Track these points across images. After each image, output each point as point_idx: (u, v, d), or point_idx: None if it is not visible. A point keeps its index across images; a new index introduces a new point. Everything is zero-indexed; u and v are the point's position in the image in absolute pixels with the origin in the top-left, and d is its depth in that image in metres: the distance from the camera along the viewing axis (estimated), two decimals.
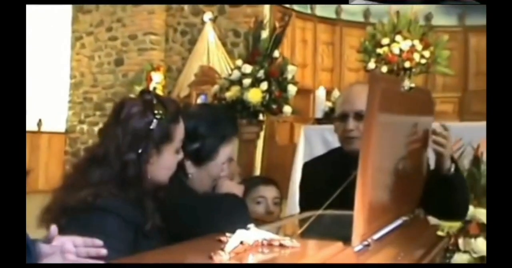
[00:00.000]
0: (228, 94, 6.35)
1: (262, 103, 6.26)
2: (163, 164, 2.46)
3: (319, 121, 6.68)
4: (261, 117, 6.53)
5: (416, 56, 8.78)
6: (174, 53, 11.25)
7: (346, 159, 3.10)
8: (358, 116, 3.04)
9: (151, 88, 10.32)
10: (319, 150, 5.86)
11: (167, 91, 10.68)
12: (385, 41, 8.89)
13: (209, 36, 10.52)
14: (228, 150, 2.73)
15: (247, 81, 6.27)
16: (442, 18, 11.11)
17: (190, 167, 2.65)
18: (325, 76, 10.12)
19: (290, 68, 6.57)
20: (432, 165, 2.98)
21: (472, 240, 4.72)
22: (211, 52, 10.38)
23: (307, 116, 9.08)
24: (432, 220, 3.17)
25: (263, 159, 7.86)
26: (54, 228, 2.01)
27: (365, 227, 1.94)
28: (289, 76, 6.50)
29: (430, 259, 2.43)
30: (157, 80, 10.66)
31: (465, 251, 4.65)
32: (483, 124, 2.82)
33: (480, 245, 4.71)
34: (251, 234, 1.79)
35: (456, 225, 4.49)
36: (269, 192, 3.59)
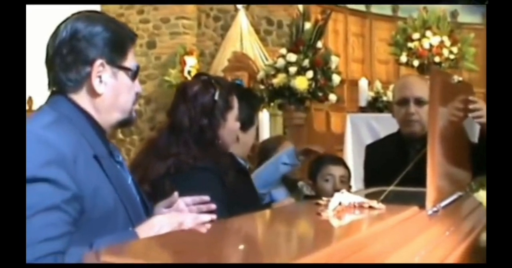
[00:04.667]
0: (275, 81, 6.67)
1: (308, 91, 6.58)
2: (229, 129, 2.94)
3: (363, 110, 6.99)
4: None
5: (445, 52, 9.05)
6: (207, 38, 11.19)
7: (404, 141, 3.51)
8: (418, 101, 3.44)
9: (185, 72, 10.54)
10: (365, 135, 6.29)
11: None
12: (416, 35, 9.13)
13: (242, 22, 10.52)
14: (258, 118, 3.36)
15: (293, 69, 6.58)
16: (467, 15, 11.33)
17: (239, 133, 3.12)
18: (356, 67, 10.35)
19: (334, 58, 6.90)
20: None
21: None
22: (244, 38, 10.40)
23: (342, 105, 9.32)
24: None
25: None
26: (176, 194, 2.33)
27: (436, 194, 2.29)
28: (333, 66, 6.83)
29: (474, 236, 2.76)
30: (191, 64, 10.65)
31: None
32: None
33: None
34: (346, 197, 2.13)
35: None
36: (337, 171, 3.91)
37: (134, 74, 2.23)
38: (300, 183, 4.34)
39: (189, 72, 10.35)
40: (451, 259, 2.13)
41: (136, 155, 2.96)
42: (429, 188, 2.26)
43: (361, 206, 2.13)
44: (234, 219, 1.97)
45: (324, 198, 2.19)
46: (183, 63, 10.72)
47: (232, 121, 2.96)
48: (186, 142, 2.81)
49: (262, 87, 6.94)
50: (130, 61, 2.20)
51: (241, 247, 1.41)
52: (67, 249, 1.84)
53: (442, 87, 2.52)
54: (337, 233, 1.88)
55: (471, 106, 3.15)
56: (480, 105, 3.18)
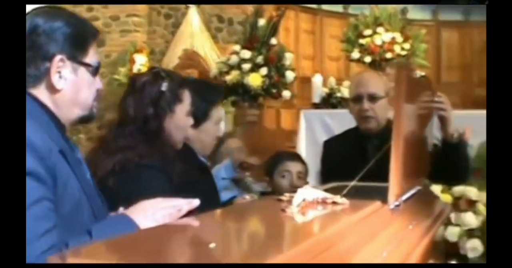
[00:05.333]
0: (229, 78, 6.66)
1: (262, 87, 6.58)
2: (177, 123, 2.88)
3: (316, 106, 7.01)
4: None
5: (397, 48, 9.15)
6: (158, 36, 11.16)
7: (362, 137, 3.53)
8: (371, 97, 3.47)
9: (135, 70, 10.45)
10: (319, 132, 6.31)
11: None
12: (368, 32, 9.22)
13: (193, 20, 10.44)
14: (217, 113, 3.16)
15: (246, 66, 6.57)
16: (417, 12, 11.44)
17: (189, 130, 3.05)
18: (306, 64, 10.39)
19: (288, 55, 6.91)
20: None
21: (462, 214, 5.17)
22: (195, 36, 10.38)
23: (292, 102, 9.35)
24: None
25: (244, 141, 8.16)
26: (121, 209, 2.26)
27: (398, 189, 2.30)
28: (287, 63, 6.84)
29: (435, 230, 2.78)
30: (141, 62, 10.59)
31: (456, 225, 5.09)
32: (458, 113, 3.25)
33: (468, 219, 5.16)
34: (310, 193, 2.12)
35: (448, 200, 4.88)
36: (294, 167, 3.91)
37: (95, 70, 2.20)
38: (247, 180, 4.34)
39: (138, 70, 10.25)
40: (417, 253, 2.14)
41: (88, 152, 2.90)
42: (392, 183, 2.25)
43: (324, 202, 2.12)
44: (197, 217, 1.94)
45: (287, 194, 2.18)
46: (133, 61, 10.65)
47: (181, 115, 2.89)
48: (131, 134, 2.75)
49: None
50: (91, 57, 2.18)
51: (212, 245, 1.38)
52: (67, 239, 1.85)
53: (407, 83, 2.52)
54: (306, 230, 1.86)
55: (436, 99, 3.17)
56: (443, 99, 3.21)
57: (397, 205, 2.28)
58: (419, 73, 2.83)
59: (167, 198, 2.18)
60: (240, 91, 6.53)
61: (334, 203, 2.11)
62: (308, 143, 6.41)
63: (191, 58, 10.17)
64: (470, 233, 5.21)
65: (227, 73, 6.73)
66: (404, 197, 2.44)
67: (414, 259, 2.08)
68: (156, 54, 11.13)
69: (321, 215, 2.04)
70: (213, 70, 7.18)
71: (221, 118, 3.28)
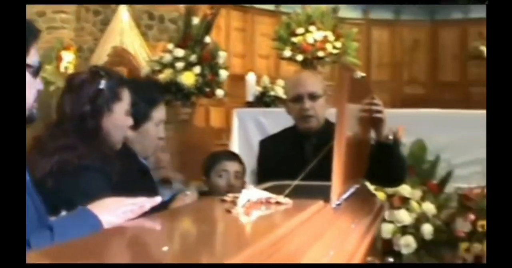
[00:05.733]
0: (162, 76, 6.62)
1: (195, 86, 6.57)
2: (115, 122, 2.82)
3: (250, 105, 7.01)
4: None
5: (329, 46, 9.20)
6: (86, 33, 10.95)
7: (300, 136, 3.55)
8: (311, 96, 3.49)
9: (62, 68, 10.29)
10: (253, 131, 6.33)
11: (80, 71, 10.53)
12: (300, 30, 9.24)
13: (122, 17, 10.30)
14: (159, 114, 3.14)
15: (180, 65, 6.55)
16: (349, 11, 11.54)
17: (128, 131, 3.00)
18: (237, 62, 10.39)
19: (221, 53, 6.92)
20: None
21: (395, 211, 5.27)
22: (125, 33, 10.22)
23: (222, 100, 9.35)
24: None
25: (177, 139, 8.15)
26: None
27: (341, 188, 2.34)
28: (221, 61, 6.84)
29: (376, 227, 2.82)
30: (68, 60, 10.40)
31: (390, 222, 5.18)
32: (389, 111, 3.30)
33: (402, 216, 5.26)
34: (254, 193, 2.13)
35: (382, 198, 4.96)
36: (231, 166, 3.89)
37: (36, 71, 2.15)
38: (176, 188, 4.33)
39: (66, 68, 10.09)
40: (361, 251, 2.16)
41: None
42: (334, 182, 2.27)
43: (268, 202, 2.13)
44: (145, 219, 1.93)
45: (230, 195, 2.19)
46: (60, 59, 10.47)
47: (120, 114, 2.83)
48: (69, 133, 2.69)
49: None
50: (32, 57, 2.12)
51: (165, 248, 1.37)
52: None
53: (350, 83, 2.55)
54: (257, 231, 1.87)
55: (374, 101, 3.21)
56: (378, 101, 3.25)
57: (339, 204, 2.30)
58: (359, 73, 2.86)
59: (126, 198, 2.18)
60: (173, 90, 6.49)
61: (277, 203, 2.13)
62: (241, 142, 6.42)
63: (120, 55, 10.03)
64: (403, 230, 5.32)
65: (160, 71, 6.70)
66: (344, 195, 2.47)
67: (359, 256, 2.10)
68: (84, 51, 10.92)
69: (268, 215, 2.06)
70: (145, 68, 7.13)
71: (162, 119, 3.22)
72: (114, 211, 2.04)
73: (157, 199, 2.13)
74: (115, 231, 1.80)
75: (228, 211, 1.98)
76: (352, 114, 2.77)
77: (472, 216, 5.26)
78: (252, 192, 2.14)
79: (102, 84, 2.76)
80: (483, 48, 9.73)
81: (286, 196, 2.18)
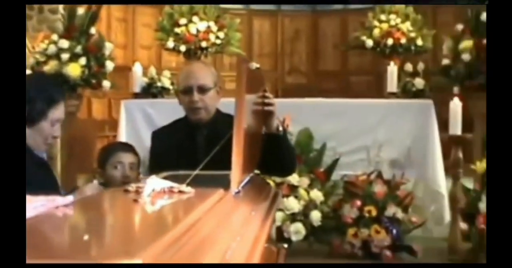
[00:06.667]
0: (47, 68, 6.49)
1: (81, 78, 6.49)
2: None
3: (137, 96, 6.98)
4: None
5: (212, 37, 9.29)
6: None
7: (191, 127, 3.59)
8: (201, 89, 3.53)
9: None
10: (140, 122, 6.33)
11: None
12: (183, 21, 9.28)
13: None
14: (56, 114, 3.12)
15: (65, 56, 6.44)
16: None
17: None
18: (118, 52, 10.27)
19: (108, 45, 6.85)
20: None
21: (285, 199, 5.38)
22: None
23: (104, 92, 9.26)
24: None
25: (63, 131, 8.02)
26: None
27: (240, 176, 2.40)
28: (107, 53, 6.78)
29: (273, 214, 2.90)
30: None
31: (279, 209, 5.29)
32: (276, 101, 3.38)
33: (291, 203, 5.38)
34: (158, 183, 2.17)
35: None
36: (126, 158, 3.88)
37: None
38: None
39: None
40: (264, 236, 2.22)
41: None
42: (234, 171, 2.33)
43: (171, 191, 2.16)
44: (55, 211, 1.92)
45: (133, 185, 2.21)
46: None
47: None
48: None
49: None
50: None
51: (86, 237, 1.39)
52: None
53: (247, 75, 2.61)
54: (169, 219, 1.91)
55: (266, 94, 3.27)
56: (269, 94, 3.31)
57: (238, 192, 2.37)
58: (255, 64, 2.90)
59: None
60: (59, 81, 6.38)
61: (180, 192, 2.16)
62: (129, 134, 6.41)
63: None
64: (293, 217, 5.44)
65: (45, 63, 6.57)
66: (242, 184, 2.52)
67: (262, 241, 2.16)
68: None
69: (173, 204, 2.09)
70: (30, 59, 6.98)
71: (59, 119, 3.15)
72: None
73: (70, 198, 2.09)
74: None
75: (135, 200, 2.00)
76: (250, 105, 2.82)
77: (358, 202, 5.41)
78: (155, 182, 2.17)
79: None
80: (364, 38, 9.98)
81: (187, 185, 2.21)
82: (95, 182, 3.54)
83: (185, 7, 9.38)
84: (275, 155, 3.38)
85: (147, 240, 1.51)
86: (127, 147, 4.03)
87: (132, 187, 2.20)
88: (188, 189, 2.18)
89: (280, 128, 3.40)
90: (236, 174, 2.35)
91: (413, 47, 9.92)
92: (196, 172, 2.48)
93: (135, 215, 1.95)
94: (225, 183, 2.30)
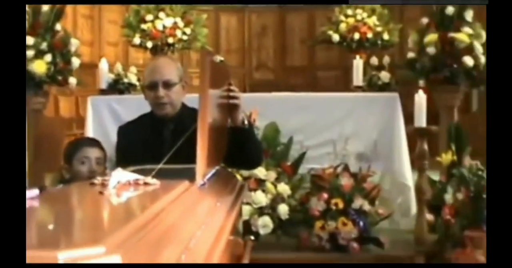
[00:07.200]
0: None
1: (47, 74, 6.46)
2: None
3: (103, 92, 6.97)
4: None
5: (179, 33, 9.32)
6: None
7: (157, 122, 3.60)
8: (166, 84, 3.54)
9: None
10: (107, 118, 6.32)
11: None
12: (149, 17, 9.30)
13: None
14: None
15: (30, 53, 6.41)
16: None
17: None
18: (85, 50, 10.22)
19: (73, 41, 6.83)
20: None
21: (252, 193, 5.40)
22: None
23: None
24: None
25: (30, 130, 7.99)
26: None
27: (205, 169, 2.43)
28: (73, 49, 6.75)
29: (239, 205, 2.93)
30: None
31: (247, 203, 5.31)
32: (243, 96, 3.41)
33: (258, 197, 5.40)
34: (123, 175, 2.20)
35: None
36: (93, 153, 3.91)
37: None
38: None
39: None
40: (228, 226, 2.25)
41: None
42: (199, 163, 2.37)
43: (136, 183, 2.19)
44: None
45: (99, 178, 2.25)
46: None
47: None
48: None
49: None
50: None
51: (50, 226, 1.40)
52: None
53: (211, 68, 2.63)
54: (133, 209, 1.93)
55: (231, 87, 3.29)
56: (235, 87, 3.33)
57: (203, 184, 2.40)
58: (218, 57, 2.92)
59: None
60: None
61: (146, 184, 2.19)
62: (96, 130, 6.40)
63: None
64: (260, 211, 5.46)
65: None
66: (207, 176, 2.55)
67: (227, 231, 2.19)
68: None
69: (139, 195, 2.11)
70: None
71: None
72: None
73: (35, 191, 2.09)
74: None
75: (101, 193, 2.03)
76: (214, 99, 2.84)
77: (325, 195, 5.44)
78: (121, 174, 2.20)
79: None
80: (330, 33, 10.04)
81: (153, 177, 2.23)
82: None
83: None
84: (241, 148, 3.40)
85: (111, 228, 1.54)
86: (93, 142, 4.05)
87: (98, 180, 2.24)
88: (154, 181, 2.21)
89: (246, 122, 3.42)
90: (201, 166, 2.38)
91: (379, 42, 10.01)
92: (161, 165, 2.51)
93: (100, 206, 1.97)
94: (191, 176, 2.34)
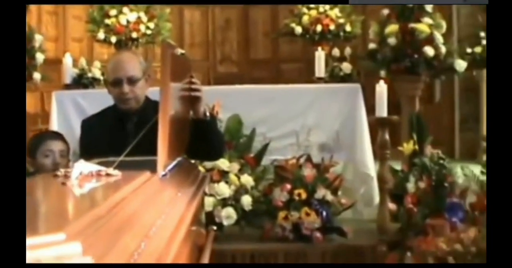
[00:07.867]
0: None
1: None
2: None
3: (68, 87, 6.99)
4: None
5: (142, 27, 9.33)
6: None
7: (121, 115, 3.64)
8: (130, 80, 3.56)
9: None
10: (72, 112, 6.35)
11: None
12: (113, 12, 9.28)
13: None
14: None
15: None
16: None
17: None
18: (50, 45, 10.18)
19: (37, 37, 6.85)
20: None
21: (215, 185, 5.46)
22: None
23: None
24: None
25: None
26: None
27: (166, 160, 2.50)
28: (37, 45, 6.78)
29: (200, 196, 2.99)
30: None
31: (210, 195, 5.37)
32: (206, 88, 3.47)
33: (221, 188, 5.46)
34: (85, 166, 2.24)
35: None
36: (56, 146, 3.95)
37: None
38: None
39: None
40: (189, 216, 2.31)
41: None
42: (160, 154, 2.44)
43: (98, 174, 2.25)
44: None
45: (62, 170, 2.30)
46: None
47: None
48: None
49: None
50: None
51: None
52: None
53: (172, 61, 2.69)
54: (94, 199, 1.98)
55: (192, 80, 3.34)
56: (196, 80, 3.39)
57: (165, 175, 2.47)
58: (180, 50, 2.97)
59: None
60: None
61: (107, 175, 2.25)
62: (61, 124, 6.42)
63: None
64: (223, 202, 5.52)
65: None
66: (169, 167, 2.62)
67: (187, 221, 2.25)
68: None
69: (101, 186, 2.16)
70: None
71: None
72: None
73: None
74: None
75: (64, 184, 2.08)
76: (176, 91, 2.90)
77: (288, 186, 5.50)
78: (83, 166, 2.24)
79: None
80: (293, 25, 10.11)
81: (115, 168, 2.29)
82: None
83: None
84: (202, 140, 3.44)
85: (72, 217, 1.60)
86: (57, 135, 4.10)
87: (61, 172, 2.28)
88: (116, 172, 2.26)
89: (208, 114, 3.47)
90: (162, 157, 2.44)
91: (342, 33, 10.09)
92: (123, 157, 2.56)
93: (63, 197, 2.02)
94: (153, 167, 2.39)
